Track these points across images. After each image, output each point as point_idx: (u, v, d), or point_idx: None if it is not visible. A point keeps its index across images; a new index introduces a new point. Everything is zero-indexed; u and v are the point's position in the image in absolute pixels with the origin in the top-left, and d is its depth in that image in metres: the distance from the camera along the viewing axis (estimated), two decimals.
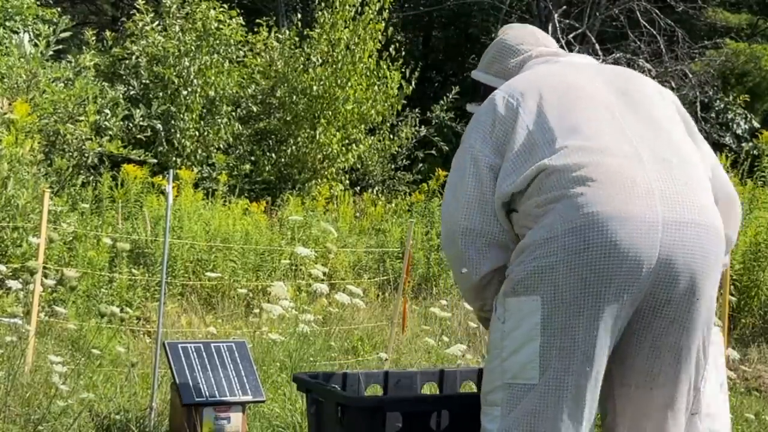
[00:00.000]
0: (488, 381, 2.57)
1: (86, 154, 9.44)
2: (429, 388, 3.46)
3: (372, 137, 12.47)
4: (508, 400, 2.50)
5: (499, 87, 2.81)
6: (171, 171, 5.35)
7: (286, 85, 11.84)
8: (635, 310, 2.49)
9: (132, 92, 10.97)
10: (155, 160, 10.05)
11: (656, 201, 2.46)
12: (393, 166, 13.12)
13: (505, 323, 2.53)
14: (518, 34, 3.03)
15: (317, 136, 11.61)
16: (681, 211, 2.49)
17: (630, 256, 2.42)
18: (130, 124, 10.32)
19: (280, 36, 12.33)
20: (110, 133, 9.79)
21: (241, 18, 11.78)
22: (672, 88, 15.68)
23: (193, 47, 11.07)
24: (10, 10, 10.04)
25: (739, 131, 15.82)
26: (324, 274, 6.72)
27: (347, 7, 11.98)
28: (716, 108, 15.84)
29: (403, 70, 12.36)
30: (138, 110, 10.38)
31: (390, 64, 12.25)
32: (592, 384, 2.49)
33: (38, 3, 10.59)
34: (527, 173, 2.51)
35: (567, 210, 2.44)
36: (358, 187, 12.60)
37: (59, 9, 11.12)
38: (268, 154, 11.66)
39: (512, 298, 2.51)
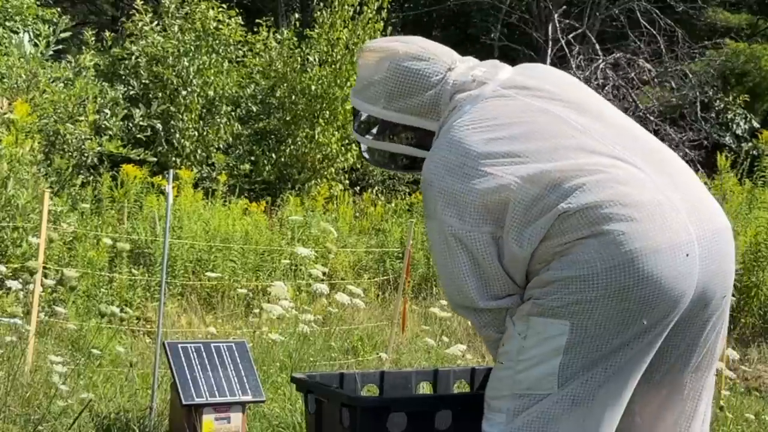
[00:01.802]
0: (496, 388, 2.54)
1: (86, 154, 9.45)
2: (423, 388, 3.46)
3: None
4: (515, 408, 2.48)
5: (406, 123, 2.71)
6: (171, 171, 5.35)
7: (285, 85, 11.85)
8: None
9: (132, 92, 10.97)
10: (155, 159, 10.06)
11: (686, 220, 2.47)
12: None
13: (526, 339, 2.48)
14: (415, 56, 2.73)
15: (317, 136, 11.61)
16: (706, 222, 2.51)
17: (676, 285, 2.42)
18: (130, 124, 10.32)
19: (279, 36, 12.34)
20: (110, 132, 9.80)
21: (240, 18, 11.79)
22: (672, 88, 15.71)
23: (192, 47, 11.07)
24: (10, 10, 10.05)
25: (738, 131, 15.83)
26: (324, 274, 6.72)
27: (346, 6, 11.99)
28: (716, 108, 15.85)
29: None
30: (138, 110, 10.39)
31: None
32: (615, 397, 2.47)
33: (38, 3, 10.59)
34: (542, 221, 2.43)
35: (605, 247, 2.39)
36: (358, 187, 12.61)
37: (59, 9, 11.13)
38: (267, 154, 11.66)
39: (538, 318, 2.46)
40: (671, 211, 2.46)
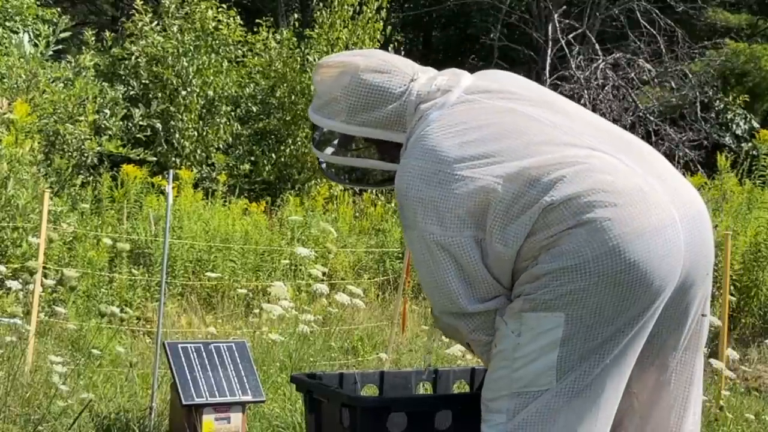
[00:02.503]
0: (493, 389, 2.53)
1: (86, 154, 9.45)
2: (423, 388, 3.46)
3: None
4: (515, 407, 2.48)
5: (371, 136, 2.71)
6: (171, 171, 5.35)
7: (285, 85, 11.85)
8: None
9: (132, 92, 10.98)
10: (155, 159, 10.07)
11: (668, 203, 2.50)
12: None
13: (521, 336, 2.48)
14: (376, 69, 2.73)
15: None
16: (686, 205, 2.56)
17: (664, 267, 2.45)
18: (130, 124, 10.33)
19: (278, 36, 12.35)
20: (110, 132, 9.81)
21: (239, 18, 11.79)
22: (672, 88, 15.71)
23: (191, 47, 11.07)
24: (10, 10, 10.05)
25: (738, 131, 15.83)
26: (324, 274, 6.72)
27: (346, 6, 12.00)
28: (716, 108, 15.84)
29: None
30: (137, 110, 10.39)
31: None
32: (612, 384, 2.49)
33: (38, 3, 10.60)
34: (525, 217, 2.44)
35: (593, 235, 2.41)
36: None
37: (59, 9, 11.14)
38: (267, 154, 11.66)
39: (531, 313, 2.47)
40: (653, 195, 2.49)
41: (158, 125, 10.71)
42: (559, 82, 15.12)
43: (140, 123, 10.38)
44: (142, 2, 11.31)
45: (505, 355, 2.50)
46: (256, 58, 12.23)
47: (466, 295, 2.53)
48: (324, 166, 2.93)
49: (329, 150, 2.85)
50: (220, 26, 11.59)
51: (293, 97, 11.76)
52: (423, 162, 2.55)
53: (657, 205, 2.47)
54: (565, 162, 2.48)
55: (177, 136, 10.87)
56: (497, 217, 2.47)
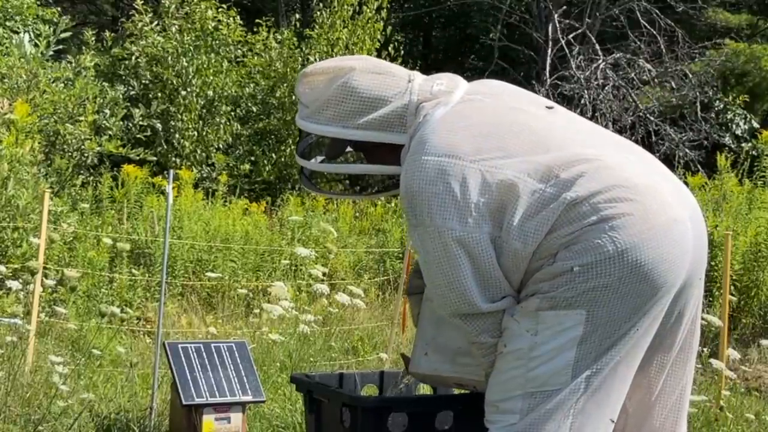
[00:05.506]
0: (504, 390, 2.49)
1: (86, 154, 9.45)
2: (423, 388, 3.46)
3: None
4: (528, 406, 2.45)
5: (371, 140, 2.66)
6: (171, 171, 5.35)
7: (285, 85, 11.86)
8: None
9: (132, 92, 10.99)
10: (155, 159, 10.07)
11: (676, 201, 2.53)
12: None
13: (537, 335, 2.44)
14: (372, 71, 2.70)
15: None
16: (689, 203, 2.59)
17: (680, 262, 2.48)
18: (130, 124, 10.33)
19: (279, 36, 12.36)
20: (110, 132, 9.81)
21: (239, 18, 11.81)
22: (672, 88, 15.70)
23: (191, 47, 11.08)
24: (10, 10, 10.06)
25: (738, 131, 15.82)
26: (324, 274, 6.72)
27: (345, 6, 12.01)
28: (716, 108, 15.84)
29: None
30: (137, 110, 10.39)
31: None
32: (622, 381, 2.50)
33: (38, 3, 10.61)
34: (546, 213, 2.42)
35: (615, 231, 2.40)
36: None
37: (59, 9, 11.15)
38: (267, 154, 11.67)
39: (549, 312, 2.43)
40: (665, 193, 2.52)
41: (158, 125, 10.71)
42: (559, 82, 15.12)
43: (140, 123, 10.38)
44: (142, 2, 11.31)
45: (519, 354, 2.46)
46: (256, 58, 12.24)
47: (481, 294, 2.47)
48: (310, 178, 2.85)
49: (318, 160, 2.78)
50: (220, 26, 11.60)
51: (293, 97, 11.76)
52: (435, 157, 2.48)
53: (669, 203, 2.50)
54: (581, 159, 2.47)
55: (177, 136, 10.87)
56: (516, 213, 2.43)
